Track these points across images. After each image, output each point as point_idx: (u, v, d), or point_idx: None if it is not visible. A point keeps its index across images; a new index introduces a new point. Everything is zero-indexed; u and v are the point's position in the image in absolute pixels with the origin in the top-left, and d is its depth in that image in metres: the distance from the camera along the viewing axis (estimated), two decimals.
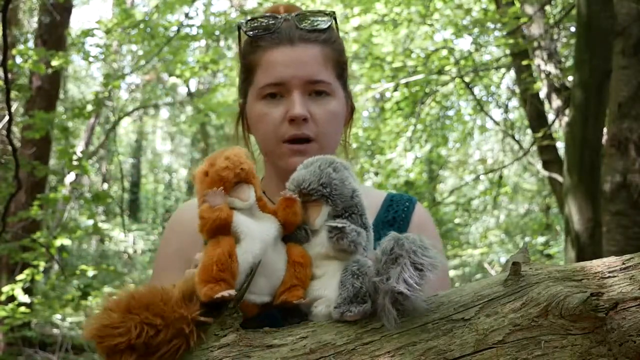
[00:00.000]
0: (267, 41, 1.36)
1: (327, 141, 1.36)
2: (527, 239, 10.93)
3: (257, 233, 1.02)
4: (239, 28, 1.41)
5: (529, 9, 6.58)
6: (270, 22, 1.37)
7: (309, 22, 1.37)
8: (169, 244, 1.42)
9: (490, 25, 7.40)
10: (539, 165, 7.48)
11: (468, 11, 7.83)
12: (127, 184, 18.88)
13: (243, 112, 1.46)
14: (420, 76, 7.62)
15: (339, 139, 1.44)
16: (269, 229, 1.04)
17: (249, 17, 1.41)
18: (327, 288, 1.05)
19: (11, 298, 5.88)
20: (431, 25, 7.82)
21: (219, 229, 1.00)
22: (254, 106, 1.38)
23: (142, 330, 0.95)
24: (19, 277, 5.88)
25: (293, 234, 1.08)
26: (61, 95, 11.19)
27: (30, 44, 8.17)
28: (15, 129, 6.83)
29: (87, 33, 7.34)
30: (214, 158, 1.05)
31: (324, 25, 1.38)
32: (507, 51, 7.44)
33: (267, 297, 1.03)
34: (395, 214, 1.46)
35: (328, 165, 1.09)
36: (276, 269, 1.03)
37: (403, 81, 7.70)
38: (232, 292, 0.95)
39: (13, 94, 4.89)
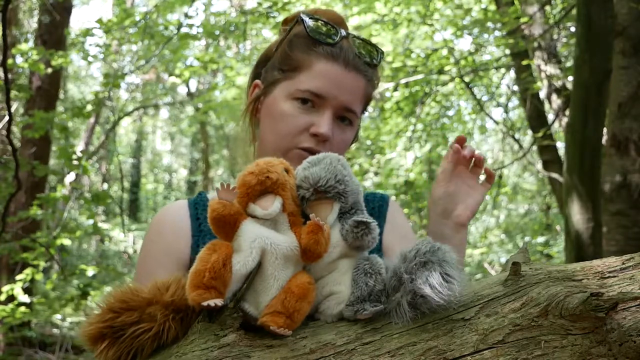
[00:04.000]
0: (324, 49, 1.37)
1: None
2: (527, 239, 10.93)
3: (266, 242, 0.99)
4: (298, 18, 1.41)
5: (529, 9, 6.58)
6: (332, 31, 1.39)
7: (367, 55, 1.41)
8: (155, 243, 1.41)
9: (490, 25, 7.40)
10: (539, 165, 7.48)
11: (468, 11, 7.83)
12: (127, 184, 18.90)
13: (258, 97, 1.45)
14: (420, 76, 7.62)
15: None
16: (283, 243, 1.00)
17: (310, 14, 1.41)
18: (337, 284, 1.03)
19: (11, 298, 5.88)
20: (431, 25, 7.82)
21: (219, 223, 1.00)
22: (281, 102, 1.38)
23: (104, 315, 1.00)
24: (19, 277, 5.89)
25: None
26: (61, 95, 11.20)
27: (30, 44, 8.17)
28: (15, 129, 6.83)
29: (86, 32, 7.34)
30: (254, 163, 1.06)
31: (376, 63, 1.43)
32: (507, 51, 7.45)
33: (255, 311, 1.00)
34: (372, 210, 1.50)
35: (338, 162, 1.09)
36: (271, 287, 0.99)
37: (403, 81, 7.70)
38: (220, 301, 0.94)
39: (13, 94, 4.89)
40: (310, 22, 1.39)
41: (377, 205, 1.52)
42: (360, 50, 1.40)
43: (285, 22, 1.49)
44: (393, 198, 1.54)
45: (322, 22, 1.40)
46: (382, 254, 1.42)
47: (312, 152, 1.34)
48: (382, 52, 1.45)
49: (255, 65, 1.52)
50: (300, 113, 1.36)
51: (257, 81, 1.48)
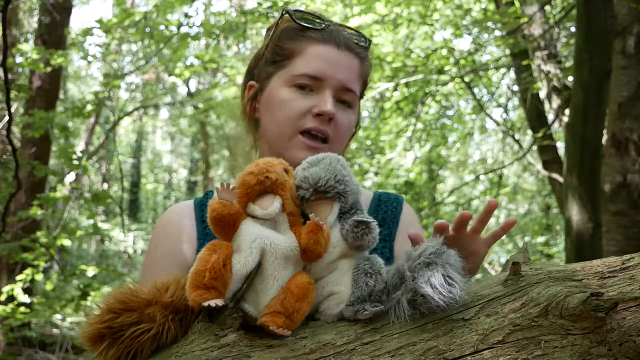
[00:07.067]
0: (314, 34, 1.38)
1: (337, 148, 1.37)
2: (527, 239, 10.92)
3: (266, 242, 0.99)
4: (284, 12, 1.43)
5: (529, 9, 6.58)
6: (317, 20, 1.41)
7: (354, 37, 1.42)
8: (159, 247, 1.41)
9: (490, 25, 7.39)
10: (539, 165, 7.48)
11: (468, 11, 7.82)
12: (127, 184, 18.88)
13: (255, 95, 1.45)
14: (420, 76, 7.62)
15: (343, 149, 1.45)
16: (283, 243, 1.00)
17: (294, 8, 1.44)
18: (337, 284, 1.03)
19: (11, 298, 5.88)
20: (431, 25, 7.81)
21: (218, 223, 1.00)
22: (279, 90, 1.38)
23: (104, 316, 1.00)
24: (19, 277, 5.88)
25: None
26: (61, 95, 11.19)
27: (31, 43, 8.17)
28: (15, 129, 6.83)
29: (86, 32, 7.33)
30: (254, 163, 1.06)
31: (365, 44, 1.44)
32: (507, 51, 7.44)
33: (255, 311, 1.00)
34: (385, 214, 1.47)
35: (337, 162, 1.09)
36: (271, 287, 0.99)
37: (403, 81, 7.69)
38: (221, 301, 0.94)
39: (13, 94, 4.88)
40: (295, 14, 1.41)
41: (391, 207, 1.49)
42: (346, 32, 1.42)
43: (269, 29, 1.51)
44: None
45: (303, 12, 1.42)
46: (392, 256, 1.41)
47: (318, 132, 1.34)
48: (368, 38, 1.47)
49: (247, 71, 1.52)
50: (299, 97, 1.36)
51: (252, 82, 1.48)
